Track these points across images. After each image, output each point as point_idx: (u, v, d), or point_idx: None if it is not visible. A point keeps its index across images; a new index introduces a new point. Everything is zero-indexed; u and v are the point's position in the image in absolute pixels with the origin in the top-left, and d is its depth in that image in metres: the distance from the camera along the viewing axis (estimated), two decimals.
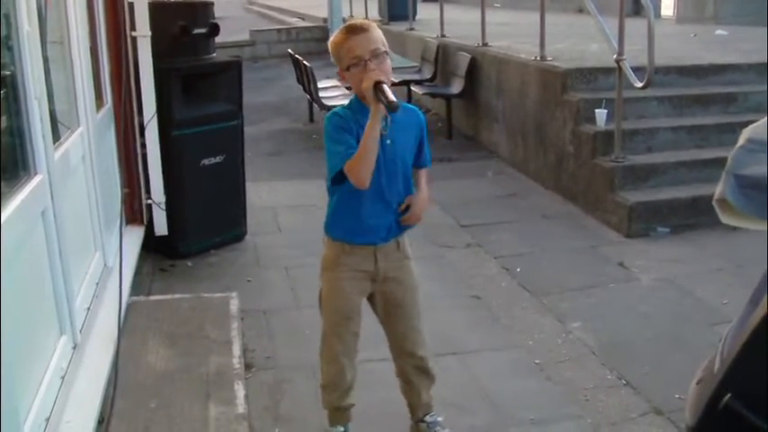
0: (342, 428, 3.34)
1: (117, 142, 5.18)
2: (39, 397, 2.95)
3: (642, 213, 6.02)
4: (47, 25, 3.76)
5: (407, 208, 3.11)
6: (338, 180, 2.98)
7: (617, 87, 6.25)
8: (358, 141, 2.89)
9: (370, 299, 3.25)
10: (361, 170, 2.88)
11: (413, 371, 3.32)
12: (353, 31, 2.90)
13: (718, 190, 1.75)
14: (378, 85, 2.79)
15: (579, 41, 9.02)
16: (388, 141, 2.97)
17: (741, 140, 1.75)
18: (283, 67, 13.33)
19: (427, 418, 3.37)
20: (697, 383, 1.80)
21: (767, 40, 7.33)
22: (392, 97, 2.75)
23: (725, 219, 1.77)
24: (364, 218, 3.06)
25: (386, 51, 2.93)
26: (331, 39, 3.00)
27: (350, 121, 2.96)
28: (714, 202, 1.77)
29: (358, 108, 2.98)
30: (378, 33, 2.93)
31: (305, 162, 8.45)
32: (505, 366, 4.14)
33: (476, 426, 3.57)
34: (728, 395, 1.61)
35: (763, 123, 1.72)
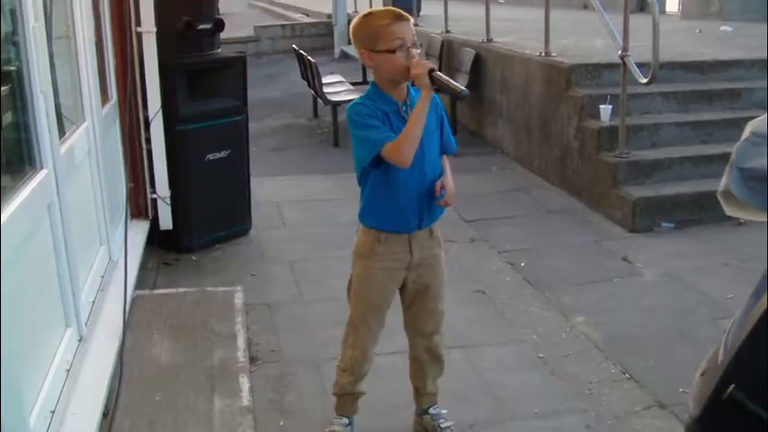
0: (346, 420, 3.36)
1: (122, 137, 5.19)
2: (44, 390, 2.97)
3: (646, 208, 6.02)
4: (52, 21, 3.77)
5: (442, 191, 3.09)
6: (375, 164, 2.96)
7: (621, 83, 6.24)
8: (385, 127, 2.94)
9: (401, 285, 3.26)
10: (406, 149, 2.87)
11: (425, 354, 3.34)
12: (400, 17, 2.96)
13: (723, 182, 1.76)
14: (433, 73, 2.83)
15: (584, 37, 9.01)
16: None
17: (745, 133, 1.76)
18: (287, 62, 13.33)
19: (431, 410, 3.40)
20: (701, 375, 1.81)
21: (767, 38, 7.32)
22: (460, 86, 2.87)
23: (729, 211, 1.78)
24: (403, 202, 3.05)
25: (420, 44, 3.02)
26: (364, 19, 3.00)
27: (376, 109, 2.98)
28: (719, 195, 1.78)
29: (377, 97, 3.01)
30: None
31: (309, 157, 8.47)
32: (509, 360, 4.15)
33: (479, 419, 3.57)
34: (732, 386, 1.62)
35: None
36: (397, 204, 3.07)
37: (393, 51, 2.92)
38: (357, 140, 3.00)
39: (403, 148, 2.88)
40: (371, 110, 2.98)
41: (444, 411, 3.42)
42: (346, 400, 3.37)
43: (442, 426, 3.36)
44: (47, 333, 3.19)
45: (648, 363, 4.07)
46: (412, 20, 3.01)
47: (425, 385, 3.40)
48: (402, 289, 3.26)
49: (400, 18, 2.95)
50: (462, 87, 2.88)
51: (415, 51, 2.92)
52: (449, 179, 3.15)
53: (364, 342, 3.24)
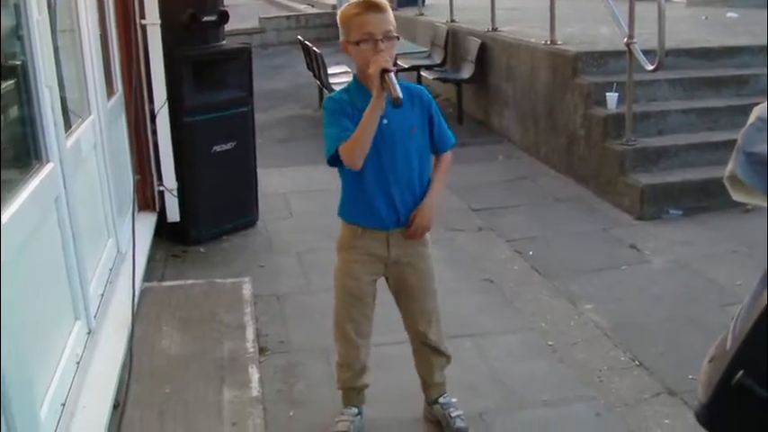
0: (356, 410, 3.37)
1: (128, 130, 5.19)
2: (54, 382, 2.98)
3: (654, 196, 6.01)
4: (57, 14, 3.77)
5: (414, 220, 3.07)
6: (333, 162, 2.96)
7: (627, 70, 6.23)
8: (354, 124, 2.87)
9: (386, 279, 3.26)
10: (355, 152, 2.86)
11: (425, 349, 3.35)
12: (371, 7, 2.87)
13: (729, 167, 1.76)
14: (384, 74, 2.74)
15: (589, 25, 8.98)
16: (385, 121, 2.91)
17: (751, 118, 1.76)
18: (293, 53, 13.31)
19: (441, 400, 3.40)
20: (710, 361, 1.81)
21: (767, 24, 7.28)
22: (398, 92, 2.70)
23: (735, 195, 1.78)
24: (370, 200, 3.05)
25: (397, 36, 2.91)
26: (344, 8, 2.95)
27: (346, 104, 2.95)
28: (725, 180, 1.78)
29: (356, 91, 2.98)
30: (392, 16, 2.91)
31: (315, 148, 8.34)
32: (518, 348, 4.14)
33: (488, 407, 3.57)
34: (741, 372, 1.62)
35: None
36: (367, 202, 3.06)
37: (358, 43, 2.87)
38: (324, 136, 2.98)
39: (351, 151, 2.86)
40: (341, 105, 2.94)
41: (454, 400, 3.42)
42: (352, 393, 3.38)
43: (452, 414, 3.35)
44: (56, 326, 3.20)
45: (657, 350, 4.07)
46: (389, 10, 2.90)
47: (432, 376, 3.40)
48: (387, 282, 3.27)
49: (371, 8, 2.86)
50: (399, 95, 2.69)
51: (386, 45, 2.82)
52: (424, 206, 3.08)
53: (349, 333, 3.24)
